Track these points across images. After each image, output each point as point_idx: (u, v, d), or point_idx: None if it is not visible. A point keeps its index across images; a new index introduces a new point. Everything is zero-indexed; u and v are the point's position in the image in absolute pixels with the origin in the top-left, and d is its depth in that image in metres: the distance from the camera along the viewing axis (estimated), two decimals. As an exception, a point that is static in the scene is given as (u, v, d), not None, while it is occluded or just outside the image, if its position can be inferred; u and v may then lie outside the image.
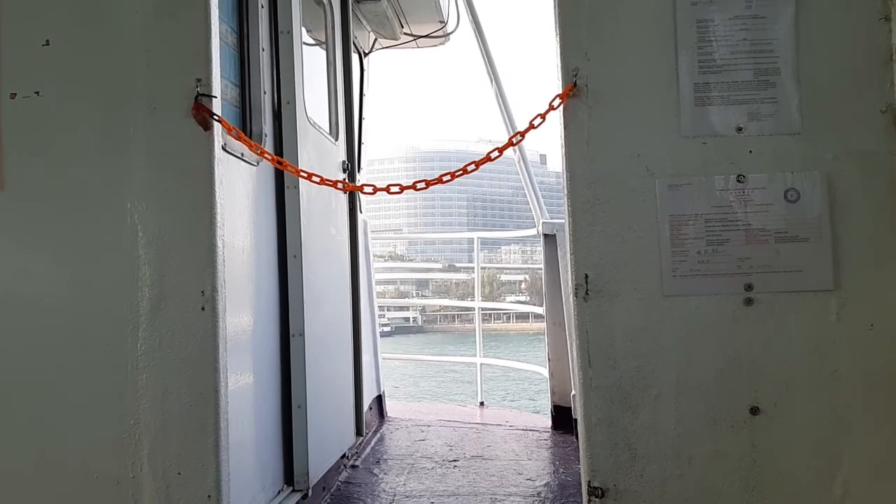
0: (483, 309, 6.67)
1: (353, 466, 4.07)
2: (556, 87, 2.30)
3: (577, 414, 2.34)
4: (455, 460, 4.18)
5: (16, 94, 2.30)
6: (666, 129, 2.27)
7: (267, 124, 3.18)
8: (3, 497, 2.28)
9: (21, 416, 2.29)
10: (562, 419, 4.81)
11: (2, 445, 2.29)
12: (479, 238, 6.80)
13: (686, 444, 2.22)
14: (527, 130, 2.40)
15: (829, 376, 2.21)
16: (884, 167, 2.23)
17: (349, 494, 3.66)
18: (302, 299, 3.33)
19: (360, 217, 4.73)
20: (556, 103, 2.27)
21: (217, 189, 2.26)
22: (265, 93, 3.17)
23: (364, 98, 5.22)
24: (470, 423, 5.19)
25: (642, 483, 2.22)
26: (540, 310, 5.18)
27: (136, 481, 2.22)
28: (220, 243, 2.26)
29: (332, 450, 3.77)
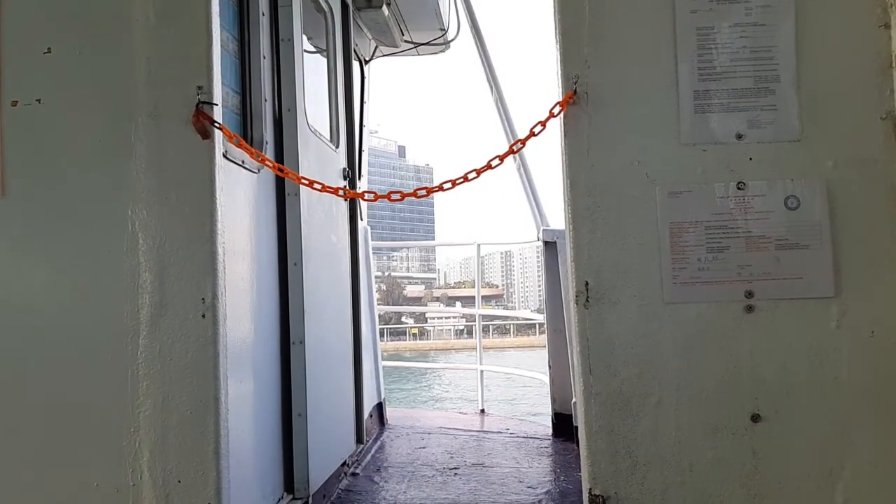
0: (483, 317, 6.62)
1: (354, 474, 4.06)
2: (557, 94, 2.31)
3: (578, 421, 2.33)
4: (456, 468, 4.17)
5: (17, 101, 2.31)
6: (666, 136, 2.27)
7: (268, 132, 3.18)
8: (2, 505, 2.28)
9: (21, 423, 2.28)
10: (562, 426, 4.80)
11: (2, 452, 2.29)
12: (479, 245, 6.80)
13: (687, 451, 2.22)
14: (527, 138, 2.40)
15: (831, 383, 2.21)
16: (884, 174, 2.23)
17: (349, 502, 3.65)
18: (302, 307, 3.33)
19: (361, 224, 4.74)
20: (556, 110, 2.28)
21: (218, 196, 2.26)
22: (266, 100, 3.18)
23: (365, 105, 5.24)
24: (470, 431, 5.18)
25: (643, 491, 2.21)
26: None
27: (136, 489, 2.22)
28: (220, 250, 2.26)
29: (332, 457, 3.77)
